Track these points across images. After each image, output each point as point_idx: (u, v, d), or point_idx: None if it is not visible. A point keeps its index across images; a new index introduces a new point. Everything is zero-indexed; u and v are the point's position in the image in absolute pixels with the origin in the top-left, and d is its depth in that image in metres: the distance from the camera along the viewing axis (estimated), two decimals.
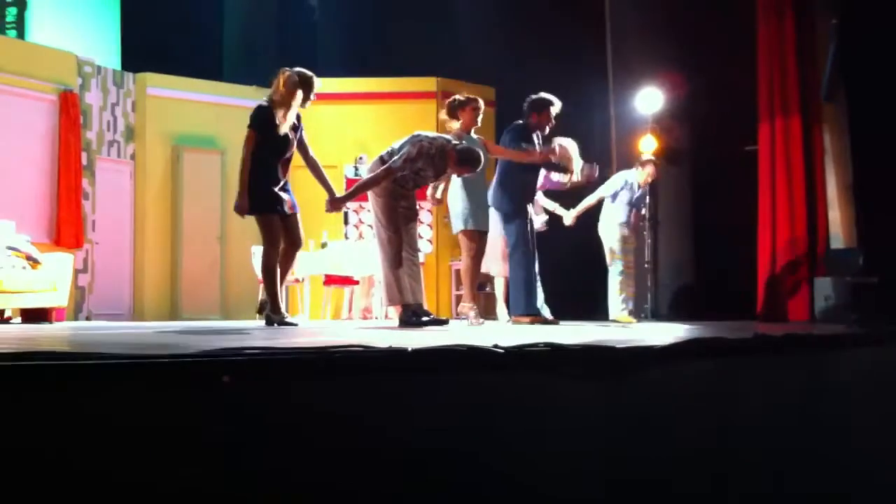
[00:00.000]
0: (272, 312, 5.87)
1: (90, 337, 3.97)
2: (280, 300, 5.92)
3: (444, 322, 6.16)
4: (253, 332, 4.64)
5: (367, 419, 2.10)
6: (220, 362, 2.00)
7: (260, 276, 6.71)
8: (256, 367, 2.02)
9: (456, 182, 6.60)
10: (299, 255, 6.48)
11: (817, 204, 8.28)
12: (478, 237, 6.72)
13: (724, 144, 8.87)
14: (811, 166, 8.32)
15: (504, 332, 4.58)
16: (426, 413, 2.22)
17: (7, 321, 7.67)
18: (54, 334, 4.17)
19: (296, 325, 5.99)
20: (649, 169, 8.02)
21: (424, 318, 5.96)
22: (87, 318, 9.62)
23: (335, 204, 6.12)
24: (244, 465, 1.91)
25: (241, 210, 5.88)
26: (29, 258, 7.72)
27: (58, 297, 7.71)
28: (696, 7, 8.85)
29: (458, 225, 6.72)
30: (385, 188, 5.99)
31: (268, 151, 5.82)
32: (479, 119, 6.63)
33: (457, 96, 6.70)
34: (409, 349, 2.33)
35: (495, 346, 2.43)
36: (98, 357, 1.90)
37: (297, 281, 9.26)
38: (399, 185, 5.99)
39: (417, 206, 6.40)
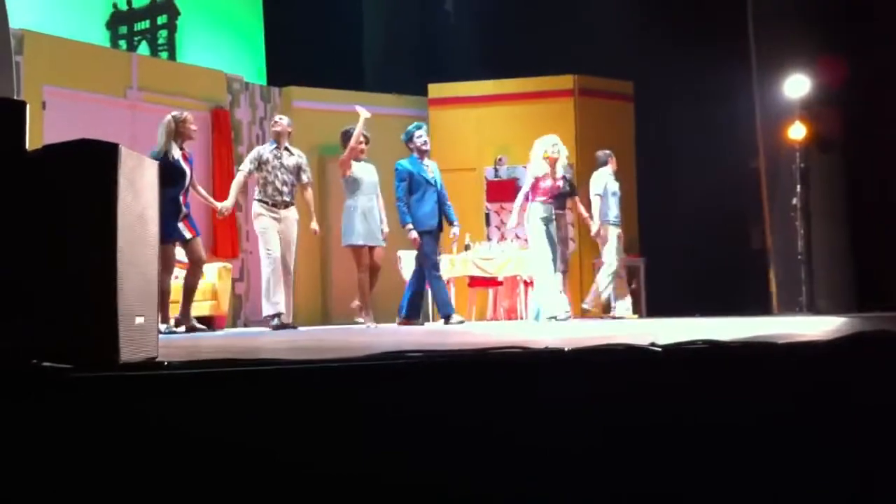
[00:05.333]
0: (182, 317, 7.13)
1: (292, 343, 4.15)
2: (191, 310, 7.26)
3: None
4: (407, 332, 4.75)
5: (529, 420, 2.13)
6: (383, 366, 2.07)
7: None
8: (419, 368, 2.09)
9: (347, 199, 7.70)
10: (444, 256, 6.97)
11: None
12: (362, 252, 7.67)
13: (878, 129, 8.49)
14: None
15: (660, 330, 4.54)
16: (584, 413, 2.23)
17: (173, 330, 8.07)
18: (256, 343, 4.38)
19: (204, 329, 7.27)
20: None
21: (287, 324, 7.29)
22: (245, 325, 10.02)
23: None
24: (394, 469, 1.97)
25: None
26: None
27: (219, 305, 8.08)
28: None
29: (343, 240, 7.74)
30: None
31: (170, 187, 6.90)
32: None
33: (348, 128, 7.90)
34: (566, 349, 2.35)
35: (652, 344, 2.42)
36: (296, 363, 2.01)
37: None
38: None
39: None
